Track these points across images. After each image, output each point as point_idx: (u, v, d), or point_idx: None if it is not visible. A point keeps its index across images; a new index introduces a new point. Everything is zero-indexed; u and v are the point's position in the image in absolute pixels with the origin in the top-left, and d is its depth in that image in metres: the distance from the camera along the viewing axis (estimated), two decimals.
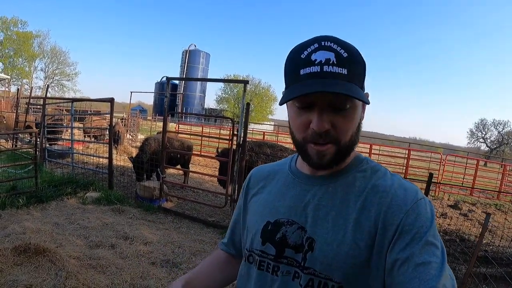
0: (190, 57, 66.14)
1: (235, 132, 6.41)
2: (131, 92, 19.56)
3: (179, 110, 60.48)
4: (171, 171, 11.19)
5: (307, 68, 0.89)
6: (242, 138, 6.23)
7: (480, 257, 5.59)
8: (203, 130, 19.31)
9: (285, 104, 0.99)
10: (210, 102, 72.53)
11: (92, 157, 10.12)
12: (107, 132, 15.09)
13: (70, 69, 56.91)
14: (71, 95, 51.25)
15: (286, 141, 20.94)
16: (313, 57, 0.89)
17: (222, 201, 7.06)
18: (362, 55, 0.95)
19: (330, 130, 0.92)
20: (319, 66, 0.88)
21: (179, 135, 11.83)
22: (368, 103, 0.93)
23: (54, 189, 7.24)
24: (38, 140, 9.11)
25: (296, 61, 0.93)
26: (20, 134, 13.30)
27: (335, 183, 1.03)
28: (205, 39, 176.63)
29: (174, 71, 72.67)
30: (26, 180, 7.41)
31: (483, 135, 62.47)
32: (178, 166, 9.92)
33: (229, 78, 66.23)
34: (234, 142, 6.45)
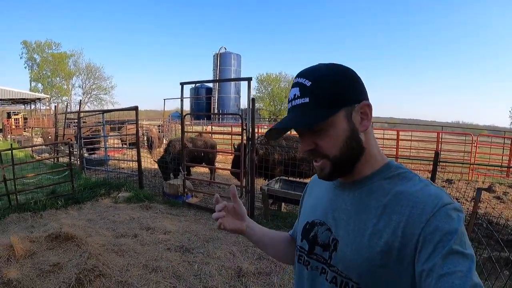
0: (221, 60, 66.17)
1: (244, 128, 6.75)
2: (164, 100, 20.19)
3: (215, 112, 61.04)
4: (201, 169, 11.79)
5: (288, 106, 1.07)
6: (250, 133, 6.54)
7: (508, 240, 5.58)
8: (232, 130, 19.56)
9: None
10: (246, 102, 71.83)
11: (127, 162, 10.87)
12: (144, 138, 15.93)
13: (106, 83, 59.42)
14: (109, 107, 52.90)
15: None
16: (289, 96, 1.07)
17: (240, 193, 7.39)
18: (333, 73, 1.02)
19: (314, 149, 1.05)
20: (291, 103, 1.05)
21: (189, 134, 12.22)
22: (308, 127, 1.03)
23: (89, 191, 8.02)
24: (72, 149, 9.81)
25: None
26: (61, 146, 14.14)
27: (361, 189, 1.08)
28: (235, 41, 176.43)
29: (208, 75, 73.46)
30: (64, 184, 8.12)
31: None
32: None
33: (262, 76, 67.85)
34: (245, 137, 6.76)
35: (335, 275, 1.04)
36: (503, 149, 16.06)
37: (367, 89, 1.09)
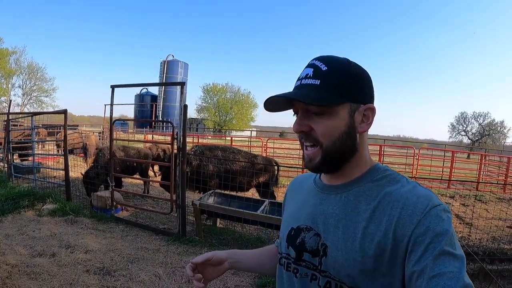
0: (168, 68, 65.58)
1: (175, 137, 6.29)
2: (105, 105, 19.60)
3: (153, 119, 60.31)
4: (135, 181, 11.17)
5: (295, 84, 1.08)
6: (181, 142, 6.17)
7: None
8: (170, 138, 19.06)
9: None
10: (191, 112, 71.72)
11: (59, 171, 10.23)
12: (81, 146, 15.23)
13: (48, 84, 55.83)
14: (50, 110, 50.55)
15: (257, 145, 20.86)
16: (300, 75, 1.08)
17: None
18: (351, 68, 1.05)
19: (310, 133, 1.05)
20: (300, 81, 1.06)
21: (119, 142, 11.53)
22: (310, 103, 1.00)
23: (11, 203, 7.36)
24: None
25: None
26: None
27: (348, 192, 1.08)
28: (183, 50, 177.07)
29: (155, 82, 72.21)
30: None
31: (464, 128, 62.70)
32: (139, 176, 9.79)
33: (208, 86, 68.07)
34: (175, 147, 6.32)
35: (328, 279, 1.03)
36: (443, 161, 16.82)
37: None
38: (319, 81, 1.01)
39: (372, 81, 1.10)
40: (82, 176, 8.50)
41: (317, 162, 1.06)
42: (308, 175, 1.34)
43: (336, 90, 1.01)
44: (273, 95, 1.06)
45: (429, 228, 0.87)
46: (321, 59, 1.05)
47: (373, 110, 1.08)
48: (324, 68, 1.02)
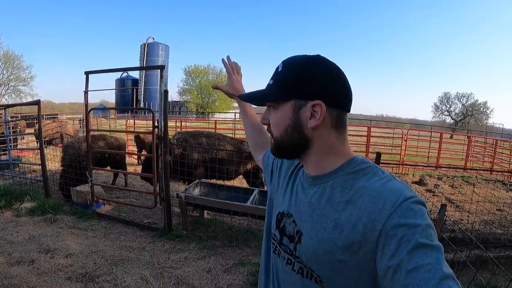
0: (149, 50, 65.30)
1: (156, 124, 5.91)
2: (84, 92, 19.04)
3: (141, 106, 60.02)
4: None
5: None
6: (163, 130, 5.83)
7: (449, 239, 5.24)
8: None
9: None
10: (174, 94, 71.10)
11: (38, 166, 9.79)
12: (59, 136, 14.77)
13: (25, 73, 53.06)
14: (28, 100, 48.95)
15: (241, 128, 20.69)
16: None
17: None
18: (303, 66, 1.05)
19: (268, 125, 1.17)
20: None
21: (102, 132, 10.91)
22: (268, 100, 1.13)
23: None
24: None
25: None
26: None
27: (325, 184, 1.08)
28: (164, 32, 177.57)
29: (135, 65, 71.11)
30: None
31: (447, 108, 64.16)
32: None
33: (190, 68, 66.11)
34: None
35: (301, 266, 1.07)
36: (430, 142, 17.31)
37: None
38: (272, 81, 1.11)
39: (339, 80, 1.07)
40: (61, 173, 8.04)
41: (272, 148, 1.18)
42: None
43: (282, 89, 1.07)
44: (242, 94, 1.34)
45: (400, 221, 0.85)
46: (284, 61, 1.11)
47: (321, 107, 1.05)
48: (280, 69, 1.10)
